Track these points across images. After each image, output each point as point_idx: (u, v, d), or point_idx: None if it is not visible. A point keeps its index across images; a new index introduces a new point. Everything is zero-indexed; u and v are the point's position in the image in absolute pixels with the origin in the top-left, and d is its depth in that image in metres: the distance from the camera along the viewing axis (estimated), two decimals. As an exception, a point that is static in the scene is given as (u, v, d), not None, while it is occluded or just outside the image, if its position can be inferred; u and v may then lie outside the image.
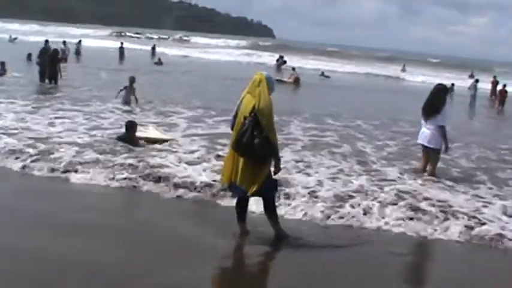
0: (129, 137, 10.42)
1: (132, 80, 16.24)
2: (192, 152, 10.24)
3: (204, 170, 8.89)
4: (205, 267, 5.71)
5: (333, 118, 16.38)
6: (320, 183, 8.66)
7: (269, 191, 6.38)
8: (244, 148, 6.02)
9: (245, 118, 6.07)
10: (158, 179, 8.35)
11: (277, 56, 46.43)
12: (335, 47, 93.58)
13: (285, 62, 42.28)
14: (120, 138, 10.45)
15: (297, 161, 10.06)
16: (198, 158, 9.77)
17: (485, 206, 8.12)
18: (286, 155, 9.94)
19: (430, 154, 9.92)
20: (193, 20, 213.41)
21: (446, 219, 7.43)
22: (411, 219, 7.41)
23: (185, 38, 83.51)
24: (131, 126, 10.59)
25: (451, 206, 7.93)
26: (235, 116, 6.28)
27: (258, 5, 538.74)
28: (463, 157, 11.95)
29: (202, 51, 55.51)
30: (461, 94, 30.24)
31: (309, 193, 8.05)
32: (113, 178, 8.41)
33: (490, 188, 9.34)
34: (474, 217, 7.56)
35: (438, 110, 9.66)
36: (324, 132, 13.92)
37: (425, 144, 9.89)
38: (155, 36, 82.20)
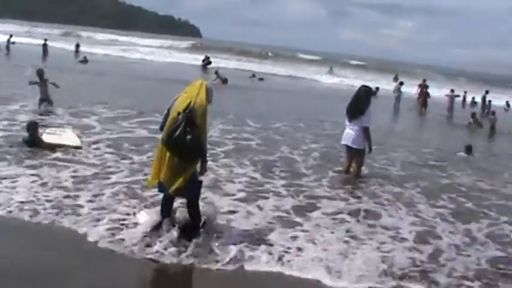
0: (31, 138, 9.79)
1: (40, 72, 14.38)
2: (102, 161, 9.26)
3: (100, 191, 7.63)
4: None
5: (257, 120, 15.95)
6: (235, 207, 7.53)
7: (192, 192, 6.18)
8: (176, 143, 5.77)
9: (179, 113, 5.87)
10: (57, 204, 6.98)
11: (202, 56, 45.69)
12: (263, 47, 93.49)
13: (210, 62, 41.76)
14: (25, 141, 9.78)
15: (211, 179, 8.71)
16: (96, 173, 8.52)
17: (431, 243, 7.01)
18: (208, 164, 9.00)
19: (354, 155, 9.98)
20: (119, 17, 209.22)
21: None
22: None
23: (111, 36, 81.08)
24: (32, 126, 9.96)
25: (395, 233, 7.13)
26: (166, 115, 6.07)
27: (186, 4, 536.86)
28: (391, 164, 11.79)
29: (127, 50, 54.22)
30: (386, 96, 30.61)
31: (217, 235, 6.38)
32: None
33: (425, 203, 8.75)
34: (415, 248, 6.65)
35: (362, 111, 9.76)
36: (247, 135, 13.53)
37: (349, 144, 9.95)
38: (78, 34, 79.25)
